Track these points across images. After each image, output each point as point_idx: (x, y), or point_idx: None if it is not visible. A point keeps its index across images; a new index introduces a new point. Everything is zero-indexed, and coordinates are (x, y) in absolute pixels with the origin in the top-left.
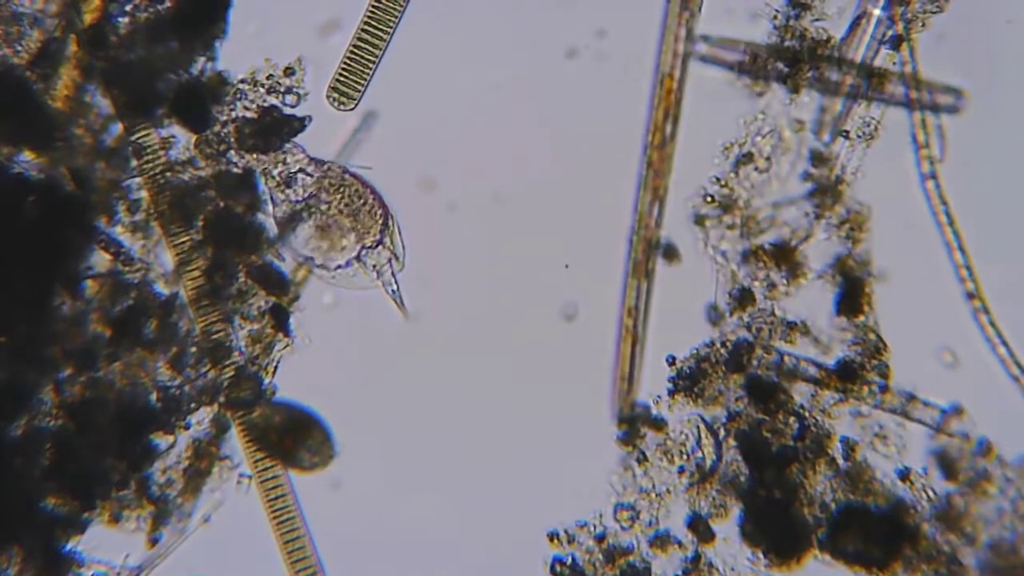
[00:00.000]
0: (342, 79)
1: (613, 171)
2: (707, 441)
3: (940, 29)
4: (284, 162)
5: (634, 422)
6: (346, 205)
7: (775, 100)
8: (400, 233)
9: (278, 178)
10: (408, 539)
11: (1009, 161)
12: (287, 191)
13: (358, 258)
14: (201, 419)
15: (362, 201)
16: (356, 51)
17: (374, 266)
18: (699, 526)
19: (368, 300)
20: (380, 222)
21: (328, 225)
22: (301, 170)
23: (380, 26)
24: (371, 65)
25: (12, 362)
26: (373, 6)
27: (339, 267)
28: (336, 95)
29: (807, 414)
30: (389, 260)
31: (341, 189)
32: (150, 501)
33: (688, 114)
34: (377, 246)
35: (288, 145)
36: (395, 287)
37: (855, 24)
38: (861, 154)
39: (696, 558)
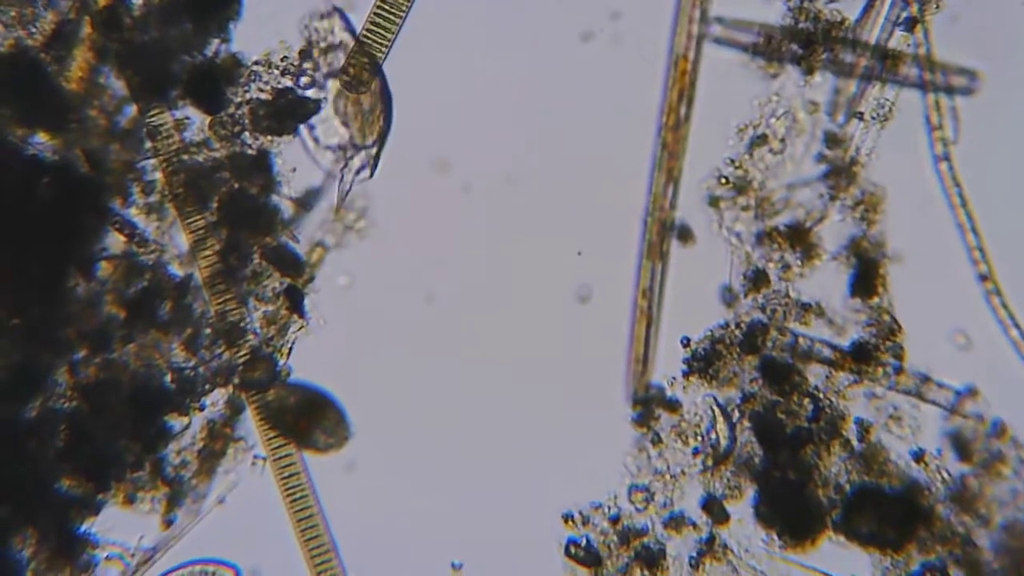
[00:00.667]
0: (354, 65)
1: (628, 153)
2: (721, 422)
3: (954, 10)
4: (332, 31)
5: (648, 403)
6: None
7: (789, 82)
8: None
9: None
10: (422, 521)
11: (1023, 143)
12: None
13: (345, 148)
14: (216, 400)
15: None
16: (369, 34)
17: (347, 162)
18: (713, 507)
19: (384, 283)
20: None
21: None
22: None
23: (393, 8)
24: (384, 48)
25: (26, 344)
26: None
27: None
28: (349, 81)
29: (821, 395)
30: (363, 166)
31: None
32: (164, 482)
33: (702, 96)
34: (363, 150)
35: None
36: (348, 188)
37: (869, 5)
38: (875, 136)
39: (710, 539)
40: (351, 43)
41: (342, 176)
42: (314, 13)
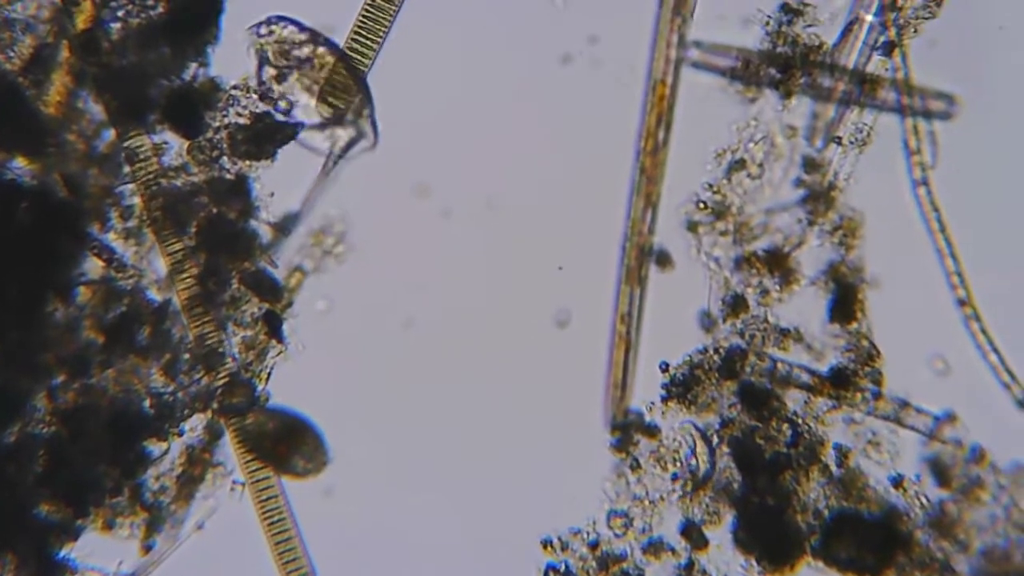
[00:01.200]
0: (332, 89)
1: (606, 177)
2: (700, 448)
3: (932, 35)
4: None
5: (627, 429)
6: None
7: (767, 106)
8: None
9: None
10: (401, 546)
11: (1002, 167)
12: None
13: (328, 124)
14: (194, 426)
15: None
16: (348, 59)
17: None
18: (692, 533)
19: (362, 308)
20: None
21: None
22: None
23: (371, 34)
24: (362, 74)
25: (4, 368)
26: (365, 12)
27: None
28: (327, 104)
29: (800, 421)
30: (352, 140)
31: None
32: (143, 508)
33: (680, 120)
34: (347, 121)
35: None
36: (336, 160)
37: (847, 30)
38: (854, 160)
39: (689, 565)
40: (315, 50)
41: (331, 152)
42: (255, 27)
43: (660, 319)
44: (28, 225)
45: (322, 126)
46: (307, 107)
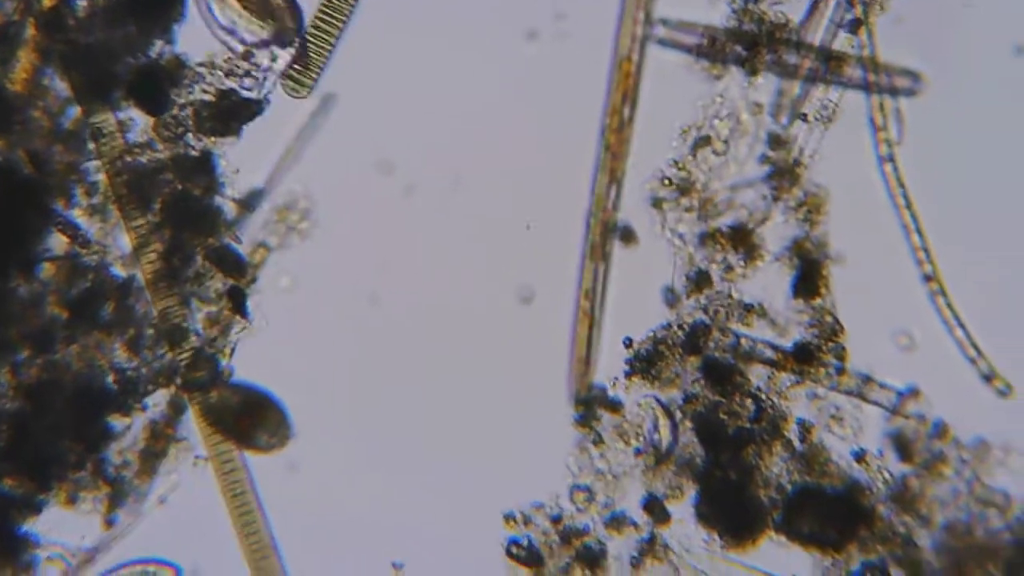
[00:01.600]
0: (296, 68)
1: (571, 154)
2: (663, 423)
3: (898, 12)
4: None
5: (591, 404)
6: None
7: (733, 83)
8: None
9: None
10: (364, 521)
11: (966, 144)
12: None
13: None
14: (158, 401)
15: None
16: (312, 38)
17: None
18: (655, 508)
19: (326, 284)
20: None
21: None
22: None
23: (336, 11)
24: (326, 53)
25: None
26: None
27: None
28: (291, 83)
29: (763, 396)
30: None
31: None
32: (106, 482)
33: (646, 97)
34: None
35: None
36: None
37: (813, 7)
38: (819, 137)
39: (651, 539)
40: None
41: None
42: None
43: (624, 295)
44: None
45: (261, 44)
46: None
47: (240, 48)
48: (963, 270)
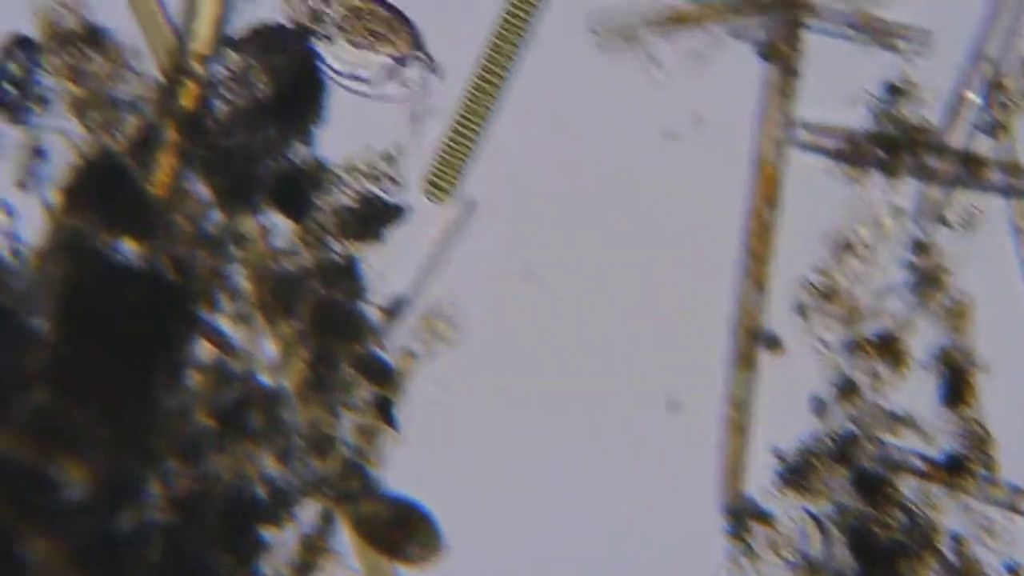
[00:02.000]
0: (437, 172)
1: (712, 258)
2: (815, 535)
3: None
4: None
5: (742, 516)
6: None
7: (874, 187)
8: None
9: None
10: None
11: None
12: None
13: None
14: (309, 513)
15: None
16: (452, 141)
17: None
18: None
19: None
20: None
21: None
22: None
23: (476, 115)
24: (466, 156)
25: (118, 454)
26: (473, 90)
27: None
28: (431, 189)
29: (915, 507)
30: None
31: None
32: None
33: (786, 201)
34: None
35: None
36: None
37: (953, 110)
38: (962, 242)
39: None
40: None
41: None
42: None
43: (772, 403)
44: (138, 308)
45: (387, 74)
46: (363, 61)
47: (367, 90)
48: None
